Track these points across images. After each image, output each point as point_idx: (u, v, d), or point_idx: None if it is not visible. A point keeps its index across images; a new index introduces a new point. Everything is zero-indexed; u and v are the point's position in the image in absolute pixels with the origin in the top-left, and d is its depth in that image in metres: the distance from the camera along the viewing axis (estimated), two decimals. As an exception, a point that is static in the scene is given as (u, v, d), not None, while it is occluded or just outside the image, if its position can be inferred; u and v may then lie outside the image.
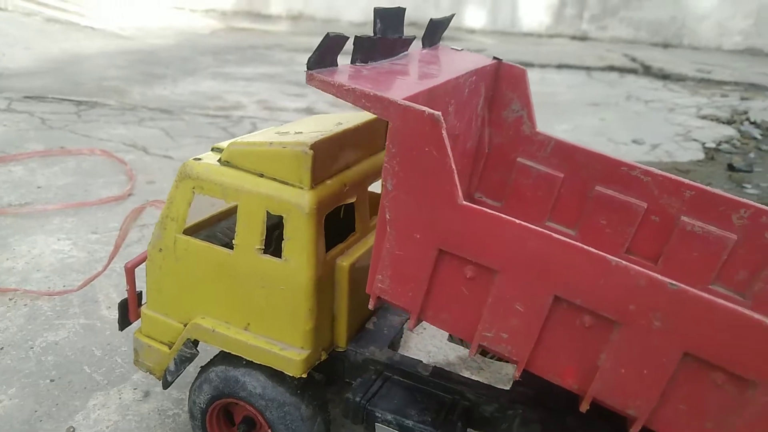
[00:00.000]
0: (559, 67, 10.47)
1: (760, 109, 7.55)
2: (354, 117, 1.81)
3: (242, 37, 12.35)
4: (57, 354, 2.33)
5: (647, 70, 10.51)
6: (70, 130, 5.10)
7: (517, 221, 1.27)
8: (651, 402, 1.26)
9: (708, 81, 9.74)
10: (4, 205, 3.58)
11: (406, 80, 1.54)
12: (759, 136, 6.43)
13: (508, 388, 1.62)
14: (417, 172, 1.33)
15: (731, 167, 5.31)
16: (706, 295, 1.16)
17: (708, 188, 1.77)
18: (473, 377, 1.68)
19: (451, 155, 1.28)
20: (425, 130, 1.28)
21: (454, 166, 1.29)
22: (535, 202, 1.98)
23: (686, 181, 1.78)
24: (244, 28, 13.54)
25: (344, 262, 1.64)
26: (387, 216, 1.39)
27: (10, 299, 2.65)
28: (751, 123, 6.95)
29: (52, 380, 2.19)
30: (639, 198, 1.84)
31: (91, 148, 4.50)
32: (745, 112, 7.39)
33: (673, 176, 1.80)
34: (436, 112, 1.26)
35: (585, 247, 1.23)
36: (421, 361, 1.68)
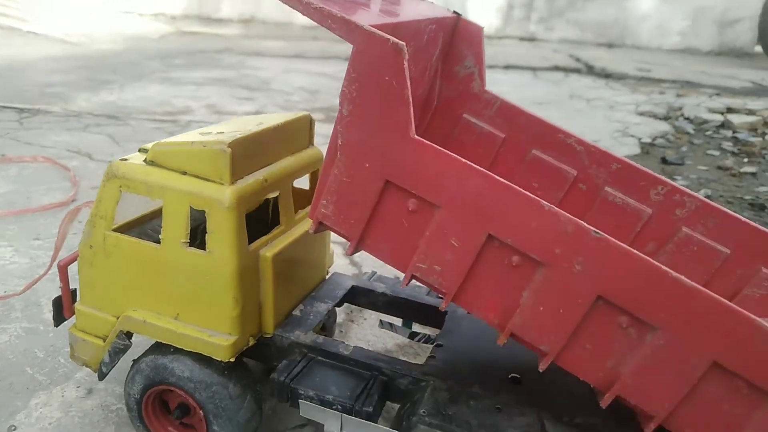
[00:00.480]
0: (506, 67, 10.76)
1: (694, 105, 7.94)
2: (275, 117, 1.92)
3: (192, 41, 12.27)
4: (-2, 357, 2.37)
5: (590, 70, 10.90)
6: (11, 137, 5.05)
7: (463, 160, 1.34)
8: (562, 339, 1.38)
9: (647, 79, 10.16)
10: (-57, 214, 3.56)
11: (372, 12, 1.57)
12: (692, 131, 6.79)
13: (422, 362, 1.77)
14: (374, 101, 1.36)
15: (664, 160, 5.62)
16: (624, 245, 1.29)
17: (633, 163, 1.91)
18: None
19: (409, 87, 1.32)
20: (387, 59, 1.30)
21: (410, 99, 1.33)
22: (476, 158, 2.03)
23: (614, 154, 1.93)
24: (194, 32, 13.44)
25: (268, 253, 1.76)
26: (339, 141, 1.43)
27: (-52, 306, 2.67)
28: (686, 119, 7.32)
29: (-8, 382, 2.24)
30: (570, 165, 1.97)
31: (34, 155, 4.48)
32: (680, 109, 7.78)
33: (603, 149, 1.94)
34: (400, 42, 1.29)
35: (522, 190, 1.33)
36: (343, 342, 1.81)
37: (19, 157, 4.41)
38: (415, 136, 1.36)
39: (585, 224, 1.30)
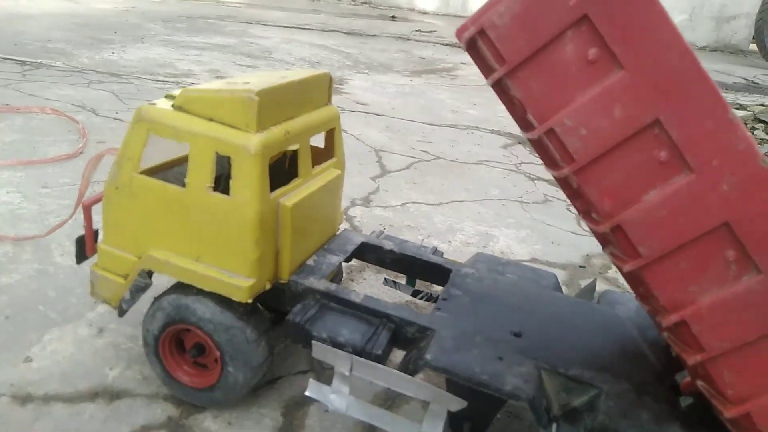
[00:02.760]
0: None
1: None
2: (297, 73, 1.99)
3: (193, 6, 12.15)
4: (10, 295, 2.44)
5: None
6: (14, 88, 5.05)
7: (678, 30, 1.21)
8: (666, 248, 1.31)
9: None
10: (-51, 159, 3.59)
11: None
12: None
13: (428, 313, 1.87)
14: None
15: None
16: None
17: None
18: None
19: None
20: None
21: None
22: None
23: None
24: (196, -3, 13.32)
25: (288, 202, 1.84)
26: None
27: (-40, 245, 2.72)
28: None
29: (6, 317, 2.31)
30: None
31: (41, 106, 4.49)
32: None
33: None
34: None
35: (717, 88, 1.22)
36: (354, 290, 1.91)
37: (27, 108, 4.42)
38: None
39: (757, 148, 1.21)
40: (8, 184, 3.36)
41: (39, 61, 6.12)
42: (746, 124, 6.89)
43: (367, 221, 3.53)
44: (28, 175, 3.49)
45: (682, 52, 1.21)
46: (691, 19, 14.15)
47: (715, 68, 11.09)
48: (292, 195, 1.88)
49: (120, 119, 4.65)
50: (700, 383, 1.47)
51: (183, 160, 2.14)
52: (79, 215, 2.79)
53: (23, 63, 5.94)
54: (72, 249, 2.77)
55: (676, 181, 1.28)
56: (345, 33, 11.60)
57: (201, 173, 1.75)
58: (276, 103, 1.79)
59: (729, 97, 8.20)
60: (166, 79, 6.13)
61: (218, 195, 1.75)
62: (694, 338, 1.36)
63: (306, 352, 2.30)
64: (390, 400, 2.14)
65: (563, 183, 1.49)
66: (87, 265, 2.60)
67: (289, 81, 1.86)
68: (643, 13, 1.21)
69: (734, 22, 14.02)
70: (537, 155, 1.54)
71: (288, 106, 1.88)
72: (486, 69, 1.41)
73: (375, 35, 11.76)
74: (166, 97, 1.87)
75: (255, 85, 1.73)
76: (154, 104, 1.82)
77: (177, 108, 1.78)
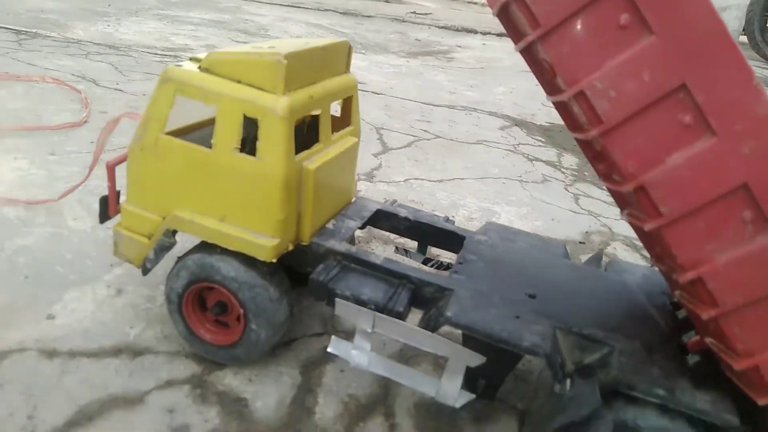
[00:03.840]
0: (500, 35, 10.83)
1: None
2: (318, 40, 2.03)
3: (187, -18, 12.00)
4: (28, 256, 2.47)
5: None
6: (12, 57, 5.00)
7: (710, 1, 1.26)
8: (687, 208, 1.37)
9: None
10: (-47, 125, 3.57)
11: None
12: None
13: (447, 274, 1.93)
14: None
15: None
16: None
17: None
18: None
19: None
20: None
21: None
22: None
23: None
24: (188, -27, 13.13)
25: (311, 166, 1.88)
26: None
27: (-27, 209, 2.74)
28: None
29: (26, 277, 2.34)
30: None
31: (42, 75, 4.46)
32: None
33: None
34: None
35: (743, 56, 1.26)
36: (374, 253, 1.97)
37: (28, 76, 4.40)
38: None
39: None
40: (16, 150, 3.36)
41: (34, 30, 6.05)
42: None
43: (371, 196, 3.59)
44: (34, 143, 3.49)
45: (711, 18, 1.26)
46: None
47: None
48: (314, 159, 1.93)
49: (121, 90, 4.63)
50: (709, 340, 1.55)
51: (204, 124, 2.18)
52: (90, 182, 2.83)
53: (18, 32, 5.87)
54: (84, 214, 2.81)
55: (699, 144, 1.33)
56: (341, 13, 11.54)
57: (228, 134, 1.79)
58: (301, 67, 1.83)
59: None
60: (164, 53, 6.10)
61: (245, 156, 1.79)
62: (710, 294, 1.43)
63: (319, 316, 2.38)
64: (402, 362, 2.21)
65: (585, 146, 1.55)
66: (100, 229, 2.66)
67: (312, 46, 1.89)
68: None
69: (725, 13, 14.09)
70: (560, 118, 1.60)
71: (311, 71, 1.92)
72: (516, 34, 1.46)
73: (370, 16, 11.72)
74: (190, 59, 1.90)
75: (282, 48, 1.77)
76: (181, 65, 1.85)
77: (204, 70, 1.82)
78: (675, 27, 1.28)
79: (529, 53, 1.46)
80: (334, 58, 2.08)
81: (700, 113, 1.31)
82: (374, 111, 5.43)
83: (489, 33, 11.38)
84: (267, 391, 1.97)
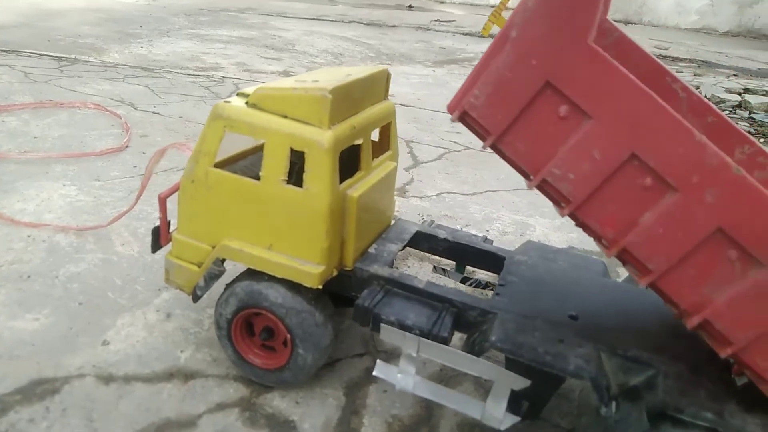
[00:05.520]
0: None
1: (711, 84, 8.05)
2: (360, 70, 2.09)
3: (214, 0, 12.25)
4: (81, 282, 2.58)
5: (610, 45, 10.92)
6: (54, 84, 5.20)
7: (631, 76, 1.35)
8: (672, 261, 1.45)
9: (665, 57, 10.23)
10: (5, 152, 3.73)
11: None
12: (708, 110, 6.92)
13: (488, 297, 1.97)
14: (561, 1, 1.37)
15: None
16: (758, 185, 1.33)
17: (727, 119, 1.94)
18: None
19: None
20: None
21: (601, 5, 1.35)
22: None
23: (713, 107, 1.94)
24: (215, -10, 13.42)
25: (354, 194, 1.94)
26: (512, 34, 1.42)
27: (28, 236, 2.86)
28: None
29: (80, 303, 2.45)
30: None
31: (83, 101, 4.63)
32: (698, 88, 7.89)
33: (705, 100, 1.95)
34: None
35: (680, 118, 1.35)
36: (417, 277, 2.01)
37: (70, 103, 4.57)
38: (592, 44, 1.35)
39: (730, 160, 1.34)
40: (63, 177, 3.50)
41: (73, 56, 6.27)
42: (771, 111, 6.88)
43: (405, 211, 3.64)
44: (80, 169, 3.63)
45: (638, 93, 1.37)
46: (712, 3, 14.00)
47: (738, 54, 11.02)
48: (357, 187, 1.99)
49: (158, 113, 4.78)
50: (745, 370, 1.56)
51: (247, 153, 2.25)
52: (139, 206, 2.94)
53: (59, 59, 6.09)
54: (131, 239, 2.92)
55: (665, 201, 1.42)
56: (365, 24, 11.66)
57: (276, 167, 1.86)
58: (344, 100, 1.89)
59: (755, 83, 8.17)
60: (196, 73, 6.26)
61: (292, 187, 1.85)
62: (720, 334, 1.48)
63: (360, 337, 2.43)
64: (443, 382, 2.25)
65: (572, 217, 1.64)
66: (147, 254, 2.76)
67: (354, 78, 1.95)
68: (596, 68, 1.36)
69: (757, 6, 13.84)
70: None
71: (354, 102, 1.98)
72: (479, 136, 1.62)
73: (394, 26, 11.81)
74: (238, 95, 1.98)
75: (326, 83, 1.83)
76: (229, 102, 1.93)
77: (251, 105, 1.89)
78: (607, 107, 1.38)
79: (494, 150, 1.60)
80: (375, 87, 2.14)
81: (657, 175, 1.40)
82: (404, 124, 5.48)
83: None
84: (313, 413, 2.02)
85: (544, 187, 1.57)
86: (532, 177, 1.53)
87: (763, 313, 1.41)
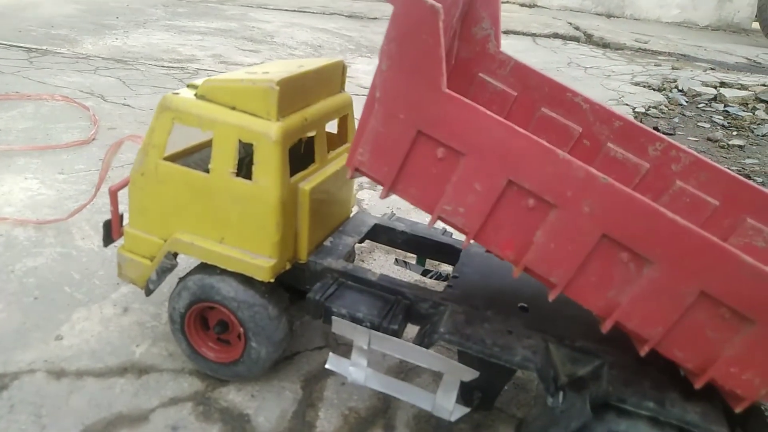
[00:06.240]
0: (506, 32, 10.80)
1: (688, 78, 8.10)
2: (313, 62, 2.07)
3: (193, -10, 12.11)
4: (37, 277, 2.55)
5: (589, 39, 10.98)
6: (23, 76, 5.11)
7: (488, 112, 1.47)
8: (570, 272, 1.54)
9: (644, 51, 10.28)
10: (-34, 146, 3.67)
11: None
12: (684, 103, 6.98)
13: (441, 290, 1.97)
14: (410, 58, 1.48)
15: (656, 130, 5.81)
16: (627, 189, 1.43)
17: (633, 121, 2.07)
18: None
19: (443, 45, 1.44)
20: (425, 19, 1.43)
21: (443, 56, 1.46)
22: None
23: (617, 112, 2.08)
24: (195, -19, 13.25)
25: (306, 186, 1.93)
26: (377, 95, 1.56)
27: (-15, 230, 2.82)
28: (679, 91, 7.50)
29: (35, 298, 2.41)
30: (576, 123, 2.12)
31: (51, 93, 4.56)
32: (675, 81, 7.95)
33: (608, 107, 2.08)
34: (437, 4, 1.41)
35: (541, 140, 1.46)
36: (371, 270, 2.01)
37: (38, 95, 4.50)
38: (446, 90, 1.48)
39: (594, 170, 1.44)
40: (26, 170, 3.45)
41: (44, 47, 6.17)
42: (747, 104, 6.95)
43: (375, 204, 3.63)
44: (44, 162, 3.58)
45: (497, 126, 1.47)
46: (692, -2, 14.09)
47: (717, 48, 11.10)
48: (309, 179, 1.97)
49: (129, 105, 4.72)
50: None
51: (199, 147, 2.23)
52: (98, 199, 2.90)
53: (29, 50, 5.98)
54: (92, 233, 2.88)
55: (550, 218, 1.53)
56: (346, 16, 11.59)
57: (224, 159, 1.84)
58: (295, 92, 1.88)
59: (731, 77, 8.24)
60: (171, 64, 6.18)
61: (241, 180, 1.84)
62: (635, 333, 1.55)
63: (320, 329, 2.42)
64: (402, 374, 2.26)
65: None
66: (107, 248, 2.72)
67: (306, 70, 1.94)
68: (455, 110, 1.49)
69: (737, 0, 13.98)
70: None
71: (305, 94, 1.96)
72: (379, 184, 1.72)
73: (376, 18, 11.74)
74: (188, 86, 1.95)
75: (275, 75, 1.82)
76: (178, 94, 1.90)
77: (200, 97, 1.87)
78: (475, 143, 1.50)
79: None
80: (329, 79, 2.12)
81: (536, 195, 1.51)
82: (378, 117, 5.45)
83: (508, 32, 11.36)
84: (269, 407, 2.02)
85: (443, 223, 1.67)
86: (431, 214, 1.64)
87: (666, 308, 1.47)
